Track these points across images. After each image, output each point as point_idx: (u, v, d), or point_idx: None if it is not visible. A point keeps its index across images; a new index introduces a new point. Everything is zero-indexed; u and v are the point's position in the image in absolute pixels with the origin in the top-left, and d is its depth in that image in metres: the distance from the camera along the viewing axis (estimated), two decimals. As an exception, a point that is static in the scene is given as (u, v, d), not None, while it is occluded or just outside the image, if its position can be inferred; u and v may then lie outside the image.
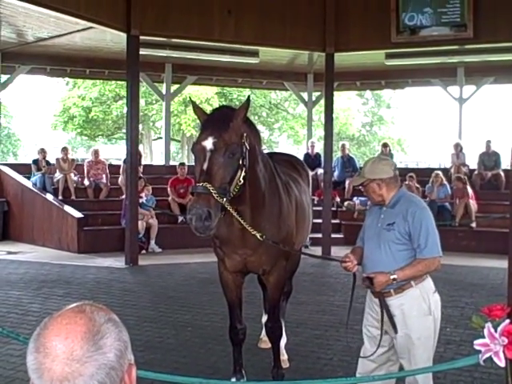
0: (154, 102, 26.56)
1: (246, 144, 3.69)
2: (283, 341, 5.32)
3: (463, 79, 15.28)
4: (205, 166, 3.52)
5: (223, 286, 4.44)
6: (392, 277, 3.35)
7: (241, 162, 3.64)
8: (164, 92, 15.25)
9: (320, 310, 7.07)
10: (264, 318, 5.45)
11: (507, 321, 2.66)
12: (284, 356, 5.26)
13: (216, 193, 3.42)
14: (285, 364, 5.20)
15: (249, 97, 3.95)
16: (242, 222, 3.81)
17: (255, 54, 13.56)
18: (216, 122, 3.68)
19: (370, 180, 3.51)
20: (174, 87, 15.84)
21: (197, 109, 3.91)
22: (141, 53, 10.79)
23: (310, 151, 14.96)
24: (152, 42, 11.90)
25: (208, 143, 3.58)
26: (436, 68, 14.73)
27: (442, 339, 6.05)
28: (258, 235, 3.84)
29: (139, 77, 11.23)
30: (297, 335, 6.08)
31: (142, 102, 25.87)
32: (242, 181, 3.67)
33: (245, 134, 3.71)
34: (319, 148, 14.53)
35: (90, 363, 1.19)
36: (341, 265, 3.67)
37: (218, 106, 27.00)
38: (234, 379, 4.54)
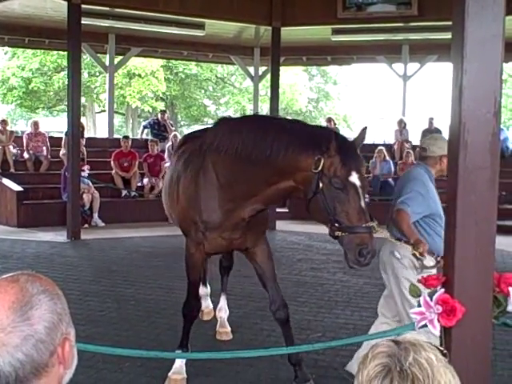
0: (98, 73, 25.90)
1: None
2: (226, 314, 5.34)
3: (407, 56, 15.48)
4: (363, 204, 3.31)
5: (191, 266, 4.24)
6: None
7: None
8: (107, 64, 14.88)
9: (264, 283, 7.11)
10: (203, 291, 5.46)
11: (442, 290, 2.72)
12: (227, 328, 5.29)
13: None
14: (228, 336, 5.23)
15: (365, 128, 3.62)
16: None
17: (201, 26, 13.37)
18: (357, 155, 3.43)
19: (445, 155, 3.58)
20: (118, 59, 15.47)
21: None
22: (83, 22, 10.48)
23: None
24: (94, 11, 11.56)
25: (361, 180, 3.34)
26: (381, 45, 14.87)
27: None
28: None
29: (81, 47, 10.92)
30: (240, 308, 6.12)
31: (85, 73, 25.23)
32: None
33: None
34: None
35: (15, 333, 1.15)
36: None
37: (162, 77, 26.04)
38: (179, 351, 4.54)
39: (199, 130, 5.13)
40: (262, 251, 4.24)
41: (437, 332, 2.68)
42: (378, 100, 37.56)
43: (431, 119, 14.63)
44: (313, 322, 5.76)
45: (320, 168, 3.29)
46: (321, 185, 3.31)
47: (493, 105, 2.74)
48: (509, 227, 10.52)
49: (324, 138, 3.34)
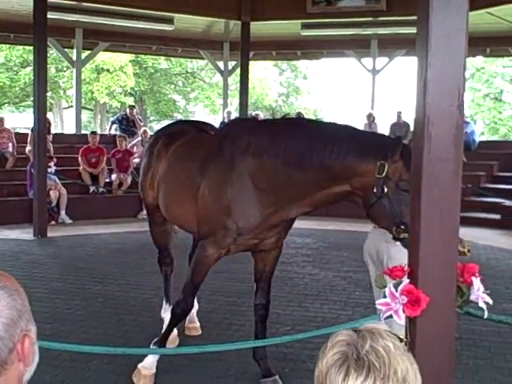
0: (65, 68, 25.56)
1: None
2: (194, 308, 5.32)
3: (376, 51, 15.56)
4: None
5: (202, 268, 4.06)
6: None
7: None
8: (74, 58, 14.66)
9: (234, 278, 7.11)
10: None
11: (407, 280, 2.75)
12: (196, 323, 5.27)
13: None
14: (197, 331, 5.22)
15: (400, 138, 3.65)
16: None
17: (170, 20, 13.30)
18: None
19: None
20: (86, 54, 15.28)
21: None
22: (49, 16, 10.29)
23: (226, 120, 14.91)
24: (61, 5, 11.41)
25: None
26: (350, 39, 14.94)
27: (351, 302, 6.29)
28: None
29: (47, 42, 10.74)
30: (210, 303, 6.10)
31: (52, 68, 24.86)
32: None
33: None
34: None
35: None
36: None
37: (131, 72, 25.88)
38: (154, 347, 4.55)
39: (184, 126, 4.97)
40: (277, 251, 4.22)
41: (402, 322, 2.70)
42: (347, 94, 37.74)
43: (399, 113, 14.77)
44: (282, 316, 5.77)
45: (385, 173, 3.32)
46: (385, 189, 3.34)
47: (457, 98, 2.76)
48: (475, 219, 10.70)
49: (383, 144, 3.42)
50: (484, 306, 2.84)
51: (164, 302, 5.12)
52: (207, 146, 4.20)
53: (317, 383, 1.17)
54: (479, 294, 2.84)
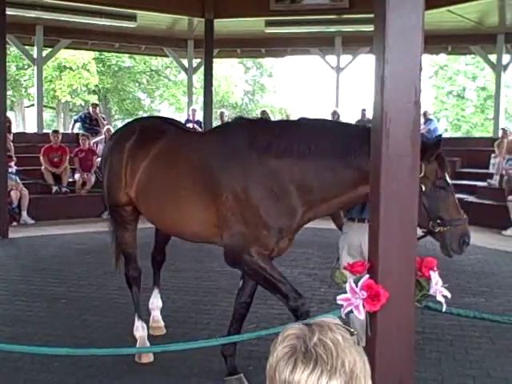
0: (26, 66, 25.11)
1: None
2: (158, 308, 5.28)
3: (340, 49, 15.65)
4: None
5: (268, 266, 3.83)
6: None
7: None
8: (35, 56, 14.42)
9: (199, 277, 7.09)
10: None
11: (367, 276, 2.77)
12: (160, 323, 5.23)
13: None
14: (161, 331, 5.18)
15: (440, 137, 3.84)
16: None
17: (133, 17, 13.17)
18: None
19: None
20: (47, 51, 15.01)
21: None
22: (8, 13, 10.10)
23: (191, 118, 14.87)
24: (20, 1, 11.20)
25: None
26: (314, 37, 15.01)
27: (316, 299, 6.31)
28: None
29: (6, 39, 10.53)
30: (174, 302, 6.06)
31: (12, 66, 24.40)
32: None
33: None
34: (201, 115, 14.45)
35: None
36: None
37: (94, 69, 25.47)
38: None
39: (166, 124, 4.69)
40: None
41: (362, 317, 2.72)
42: (312, 91, 37.97)
43: (364, 110, 14.90)
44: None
45: (423, 173, 3.45)
46: (423, 188, 3.50)
47: (413, 94, 2.80)
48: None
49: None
50: (442, 300, 2.88)
51: (136, 318, 4.78)
52: (213, 148, 4.00)
53: (268, 377, 1.18)
54: (438, 287, 2.89)
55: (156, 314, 5.23)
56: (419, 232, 3.83)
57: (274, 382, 1.15)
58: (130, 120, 5.91)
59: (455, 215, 3.66)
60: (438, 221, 3.57)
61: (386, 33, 2.76)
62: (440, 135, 3.98)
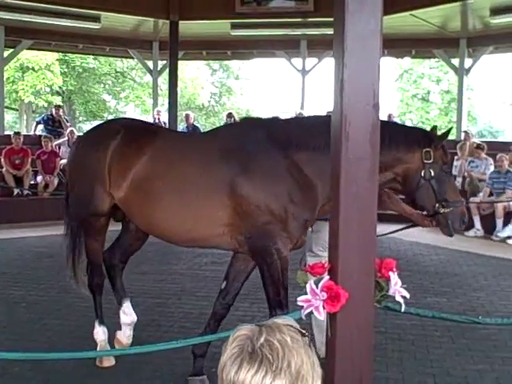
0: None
1: None
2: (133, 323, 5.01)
3: (306, 52, 15.74)
4: None
5: (285, 271, 3.95)
6: None
7: None
8: (-4, 57, 14.15)
9: (163, 279, 7.05)
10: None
11: (327, 277, 2.79)
12: (130, 340, 5.08)
13: None
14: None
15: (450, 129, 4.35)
16: None
17: (96, 18, 13.03)
18: None
19: None
20: (9, 51, 14.74)
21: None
22: (-33, 13, 9.92)
23: (156, 119, 14.76)
24: (-20, 0, 10.99)
25: None
26: (280, 40, 15.06)
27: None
28: None
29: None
30: (138, 305, 5.96)
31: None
32: None
33: None
34: (166, 117, 14.36)
35: None
36: None
37: (58, 70, 24.99)
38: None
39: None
40: None
41: (322, 318, 2.74)
42: (278, 94, 38.12)
43: (329, 112, 14.97)
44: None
45: (432, 159, 3.90)
46: (432, 172, 3.90)
47: (372, 97, 2.83)
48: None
49: (424, 135, 4.03)
50: (401, 300, 2.92)
51: (97, 324, 4.64)
52: (230, 146, 3.99)
53: (219, 377, 1.18)
54: (397, 288, 2.92)
55: (130, 329, 4.77)
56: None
57: (222, 382, 1.16)
58: (98, 123, 5.33)
59: (457, 197, 4.05)
60: (444, 203, 3.92)
61: (345, 37, 2.78)
62: (451, 127, 4.58)
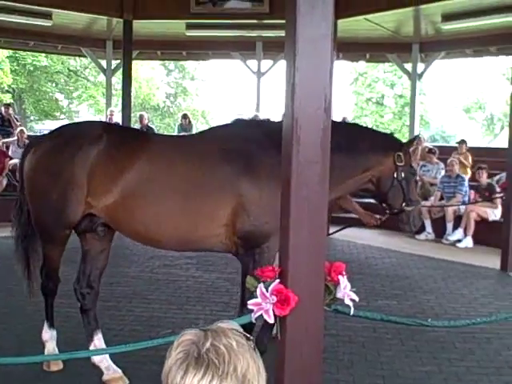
0: None
1: None
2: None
3: (261, 53, 15.74)
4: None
5: None
6: None
7: None
8: None
9: (114, 282, 6.93)
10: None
11: (277, 281, 2.79)
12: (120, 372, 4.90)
13: None
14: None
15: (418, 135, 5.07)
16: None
17: (48, 15, 12.73)
18: None
19: None
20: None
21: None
22: None
23: (109, 120, 14.55)
24: None
25: None
26: (236, 41, 15.02)
27: (233, 304, 6.30)
28: None
29: None
30: (88, 308, 5.89)
31: None
32: None
33: None
34: (119, 117, 14.18)
35: None
36: None
37: (8, 68, 24.52)
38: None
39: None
40: None
41: (271, 321, 2.74)
42: (234, 96, 38.10)
43: (284, 115, 15.06)
44: (163, 319, 5.69)
45: (403, 162, 4.40)
46: (403, 174, 4.41)
47: (323, 101, 2.84)
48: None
49: (394, 140, 4.63)
50: (350, 304, 2.94)
51: (47, 327, 4.50)
52: (229, 146, 4.02)
53: (163, 382, 1.18)
54: (346, 291, 2.94)
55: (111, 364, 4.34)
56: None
57: None
58: (58, 126, 4.82)
59: (417, 197, 4.68)
60: (409, 202, 4.47)
61: (297, 39, 2.78)
62: (417, 135, 5.05)
